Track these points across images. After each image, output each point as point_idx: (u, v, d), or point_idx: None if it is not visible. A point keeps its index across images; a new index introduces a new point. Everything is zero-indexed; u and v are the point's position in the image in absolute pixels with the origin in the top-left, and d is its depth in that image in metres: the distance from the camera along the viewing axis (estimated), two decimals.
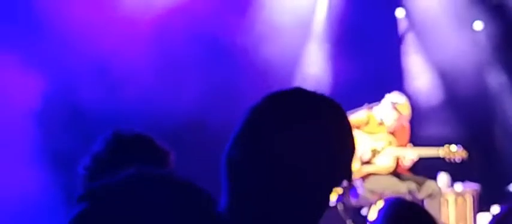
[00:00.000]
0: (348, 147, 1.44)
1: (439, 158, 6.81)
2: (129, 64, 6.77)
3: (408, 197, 6.39)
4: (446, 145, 6.80)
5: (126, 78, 6.81)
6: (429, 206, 6.58)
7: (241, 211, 1.34)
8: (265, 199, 1.34)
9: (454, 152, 6.74)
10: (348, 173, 1.44)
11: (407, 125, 7.05)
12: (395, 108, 6.78)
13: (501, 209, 2.89)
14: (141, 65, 6.83)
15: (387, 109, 6.82)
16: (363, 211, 6.90)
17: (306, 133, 1.35)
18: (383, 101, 6.85)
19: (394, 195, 6.26)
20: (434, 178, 7.18)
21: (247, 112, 1.38)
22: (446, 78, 8.40)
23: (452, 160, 6.77)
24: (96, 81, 6.76)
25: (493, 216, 2.94)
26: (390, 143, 6.84)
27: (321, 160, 1.36)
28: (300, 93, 1.42)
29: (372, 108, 6.92)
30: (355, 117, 6.83)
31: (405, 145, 6.93)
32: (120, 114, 6.34)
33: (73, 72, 6.71)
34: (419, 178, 6.83)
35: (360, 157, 6.80)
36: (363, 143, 6.83)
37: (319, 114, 1.40)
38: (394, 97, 6.84)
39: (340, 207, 6.96)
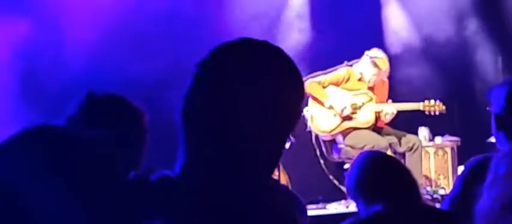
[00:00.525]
0: (296, 96, 1.45)
1: (418, 113, 6.90)
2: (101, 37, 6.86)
3: (389, 151, 6.51)
4: (426, 100, 6.89)
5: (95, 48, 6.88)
6: (410, 159, 6.70)
7: (197, 164, 1.38)
8: (219, 150, 1.37)
9: (433, 105, 6.85)
10: (295, 121, 1.47)
11: (386, 80, 7.14)
12: (374, 63, 6.84)
13: (473, 159, 2.94)
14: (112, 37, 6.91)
15: (366, 64, 6.89)
16: (346, 166, 6.92)
17: (255, 83, 1.37)
18: (362, 57, 6.92)
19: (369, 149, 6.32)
20: (414, 132, 7.24)
21: (196, 67, 1.40)
22: (424, 31, 8.41)
23: (431, 113, 6.86)
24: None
25: (465, 165, 3.01)
26: (370, 98, 6.92)
27: (270, 108, 1.39)
28: (247, 44, 1.44)
29: (351, 65, 6.99)
30: (335, 73, 6.93)
31: (385, 101, 7.01)
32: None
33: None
34: (400, 133, 6.91)
35: (340, 113, 6.87)
36: (342, 99, 6.90)
37: (266, 64, 1.42)
38: (372, 53, 6.90)
39: (322, 162, 7.09)
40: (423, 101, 6.88)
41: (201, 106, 1.38)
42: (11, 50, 6.66)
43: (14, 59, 6.68)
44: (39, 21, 6.85)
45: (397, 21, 8.54)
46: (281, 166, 6.56)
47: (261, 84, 1.38)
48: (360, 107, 6.88)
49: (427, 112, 6.88)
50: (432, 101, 6.88)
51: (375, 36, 7.99)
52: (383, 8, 8.60)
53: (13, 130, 1.31)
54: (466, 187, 2.81)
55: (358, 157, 3.05)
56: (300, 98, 1.46)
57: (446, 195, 6.10)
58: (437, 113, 6.86)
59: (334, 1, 8.31)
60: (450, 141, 7.53)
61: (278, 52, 1.45)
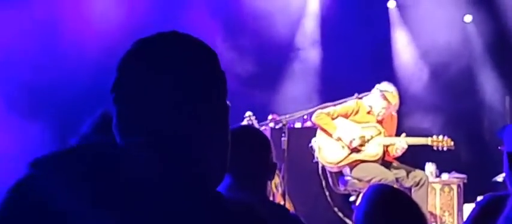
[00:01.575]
0: (216, 86, 1.50)
1: (426, 148, 6.89)
2: None
3: (395, 185, 6.42)
4: (435, 135, 6.90)
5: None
6: (416, 194, 6.66)
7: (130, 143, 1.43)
8: (147, 134, 1.42)
9: (441, 140, 6.83)
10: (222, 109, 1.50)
11: (395, 114, 7.15)
12: (384, 97, 6.85)
13: (484, 197, 2.94)
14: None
15: (376, 97, 6.89)
16: (351, 198, 7.01)
17: (166, 72, 1.43)
18: (373, 90, 6.93)
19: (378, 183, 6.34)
20: (421, 168, 7.24)
21: (121, 58, 1.47)
22: (436, 70, 8.47)
23: (439, 148, 6.85)
24: None
25: (476, 203, 2.98)
26: (379, 132, 6.91)
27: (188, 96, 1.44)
28: (165, 37, 1.49)
29: (361, 97, 7.00)
30: (344, 105, 6.93)
31: (393, 135, 7.02)
32: None
33: None
34: (407, 167, 6.90)
35: (349, 145, 6.86)
36: (351, 131, 6.88)
37: (175, 51, 1.47)
38: (383, 86, 6.91)
39: (327, 194, 7.12)
40: (432, 136, 6.87)
41: (124, 95, 1.45)
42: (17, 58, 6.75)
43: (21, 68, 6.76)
44: (45, 30, 6.91)
45: (408, 58, 8.56)
46: (287, 195, 6.44)
47: (171, 71, 1.44)
48: (368, 140, 6.86)
49: (434, 148, 6.86)
50: (440, 137, 6.86)
51: (384, 69, 8.05)
52: (392, 41, 8.67)
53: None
54: None
55: (367, 190, 3.02)
56: (218, 92, 1.50)
57: None
58: (445, 148, 6.84)
59: (345, 30, 8.33)
60: (457, 178, 7.50)
61: (187, 39, 1.50)
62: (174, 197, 1.33)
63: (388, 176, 6.67)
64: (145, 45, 1.47)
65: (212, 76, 1.48)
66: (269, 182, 2.87)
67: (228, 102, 1.51)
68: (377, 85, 6.92)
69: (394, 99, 6.91)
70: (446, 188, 7.40)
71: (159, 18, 7.35)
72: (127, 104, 1.44)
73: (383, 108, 6.89)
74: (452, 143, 6.83)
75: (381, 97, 6.86)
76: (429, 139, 6.84)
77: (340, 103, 6.95)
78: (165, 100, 1.41)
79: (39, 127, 6.60)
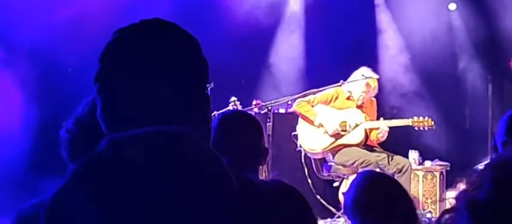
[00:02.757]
0: (199, 73, 1.50)
1: (409, 136, 7.03)
2: None
3: (378, 170, 6.28)
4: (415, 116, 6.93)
5: None
6: (399, 181, 6.59)
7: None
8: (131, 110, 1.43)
9: (422, 121, 6.84)
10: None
11: (374, 100, 7.17)
12: (364, 82, 6.89)
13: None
14: None
15: (355, 83, 6.90)
16: (335, 184, 7.04)
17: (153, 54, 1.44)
18: (352, 76, 6.93)
19: (364, 168, 6.38)
20: (404, 156, 7.19)
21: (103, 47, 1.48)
22: (419, 57, 8.46)
23: (420, 129, 6.87)
24: None
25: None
26: (360, 116, 6.92)
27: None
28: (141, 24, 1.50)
29: (340, 85, 6.98)
30: (323, 92, 6.92)
31: (374, 119, 7.02)
32: None
33: None
34: (390, 153, 6.89)
35: (330, 132, 6.85)
36: (332, 117, 6.89)
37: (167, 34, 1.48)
38: (362, 71, 6.91)
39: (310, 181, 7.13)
40: (412, 117, 6.89)
41: (107, 78, 1.46)
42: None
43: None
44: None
45: (391, 44, 8.59)
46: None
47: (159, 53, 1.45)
48: (350, 125, 6.87)
49: (416, 128, 6.87)
50: (421, 117, 6.88)
51: (368, 56, 8.04)
52: (377, 29, 8.70)
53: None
54: None
55: (356, 176, 3.07)
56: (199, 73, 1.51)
57: (434, 218, 6.24)
58: (426, 128, 6.86)
59: (330, 15, 8.33)
60: (439, 165, 7.54)
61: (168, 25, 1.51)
62: (200, 188, 1.32)
63: (370, 158, 6.70)
64: (126, 34, 1.46)
65: (195, 64, 1.48)
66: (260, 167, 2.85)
67: (209, 88, 1.50)
68: (356, 71, 6.93)
69: (373, 83, 6.94)
70: (429, 176, 7.43)
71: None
72: (111, 95, 1.43)
73: (363, 92, 6.91)
74: (433, 122, 6.85)
75: (360, 82, 6.87)
76: (410, 120, 6.86)
77: (318, 91, 6.94)
78: (149, 89, 1.41)
79: (34, 108, 6.58)
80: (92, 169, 1.34)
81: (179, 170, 1.32)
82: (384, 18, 8.72)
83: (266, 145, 2.85)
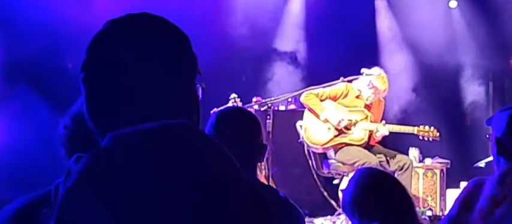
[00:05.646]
0: (187, 68, 1.48)
1: (411, 135, 6.88)
2: None
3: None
4: (421, 125, 6.89)
5: None
6: (400, 178, 6.07)
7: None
8: (120, 104, 1.40)
9: (427, 131, 6.81)
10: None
11: (383, 100, 7.10)
12: (372, 82, 6.81)
13: (471, 182, 2.96)
14: None
15: (365, 82, 6.84)
16: (335, 182, 7.02)
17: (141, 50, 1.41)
18: (363, 75, 6.84)
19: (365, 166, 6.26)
20: (405, 153, 7.19)
21: (91, 38, 1.45)
22: (420, 56, 8.43)
23: (425, 138, 6.84)
24: None
25: (464, 187, 3.01)
26: (366, 116, 6.88)
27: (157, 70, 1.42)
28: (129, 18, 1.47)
29: (351, 81, 6.93)
30: (333, 88, 6.87)
31: (379, 120, 6.97)
32: None
33: None
34: (391, 152, 6.87)
35: (336, 127, 6.81)
36: (338, 114, 6.84)
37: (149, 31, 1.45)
38: (373, 71, 6.84)
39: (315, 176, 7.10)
40: (418, 126, 6.85)
41: (95, 71, 1.43)
42: None
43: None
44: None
45: (390, 42, 8.58)
46: (271, 178, 6.41)
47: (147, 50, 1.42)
48: (354, 124, 6.83)
49: (420, 137, 6.86)
50: (427, 127, 6.84)
51: (368, 54, 8.03)
52: (377, 26, 8.69)
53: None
54: (464, 208, 2.84)
55: (355, 173, 3.04)
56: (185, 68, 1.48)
57: (443, 216, 6.30)
58: (430, 139, 6.83)
59: (331, 14, 8.29)
60: (440, 163, 7.52)
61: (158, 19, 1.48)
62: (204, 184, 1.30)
63: (372, 160, 6.63)
64: (117, 24, 1.44)
65: (184, 58, 1.45)
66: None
67: (202, 85, 1.48)
68: (366, 70, 6.83)
69: (384, 85, 6.87)
70: (429, 173, 7.42)
71: None
72: (96, 85, 1.41)
73: (372, 93, 6.85)
74: (438, 134, 6.82)
75: (370, 83, 6.81)
76: (415, 128, 6.82)
77: (328, 86, 6.88)
78: (137, 82, 1.38)
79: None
80: (99, 167, 1.30)
81: (193, 166, 1.30)
82: (384, 18, 8.73)
83: (265, 141, 2.83)
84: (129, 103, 1.38)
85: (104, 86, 1.40)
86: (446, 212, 3.93)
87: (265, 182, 5.97)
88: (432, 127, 6.85)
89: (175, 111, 1.41)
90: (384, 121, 6.89)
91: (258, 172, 5.79)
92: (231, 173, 1.34)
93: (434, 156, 7.65)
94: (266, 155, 5.94)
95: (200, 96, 1.49)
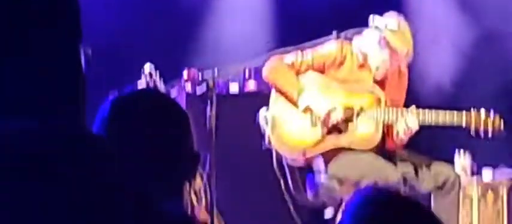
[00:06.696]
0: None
1: (455, 131, 5.36)
2: None
3: (403, 189, 5.02)
4: (473, 109, 5.30)
5: None
6: (440, 204, 5.20)
7: None
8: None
9: (485, 120, 5.27)
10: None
11: (405, 71, 5.45)
12: (387, 40, 5.16)
13: None
14: None
15: (374, 41, 5.21)
16: (327, 215, 5.36)
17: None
18: (369, 28, 5.25)
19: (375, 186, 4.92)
20: (448, 161, 5.64)
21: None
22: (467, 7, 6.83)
23: (479, 131, 5.29)
24: None
25: None
26: (377, 99, 5.32)
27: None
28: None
29: (350, 39, 5.40)
30: (319, 51, 5.32)
31: (401, 105, 5.35)
32: None
33: None
34: (423, 159, 5.40)
35: (324, 120, 5.19)
36: (331, 96, 5.34)
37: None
38: (385, 22, 5.22)
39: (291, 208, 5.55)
40: (468, 111, 5.27)
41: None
42: None
43: None
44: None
45: None
46: (215, 210, 4.86)
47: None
48: (358, 113, 5.25)
49: (472, 131, 5.29)
50: (483, 111, 5.25)
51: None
52: None
53: None
54: None
55: (352, 198, 2.19)
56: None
57: None
58: (489, 133, 5.28)
59: None
60: (507, 176, 6.06)
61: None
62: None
63: (389, 175, 5.15)
64: None
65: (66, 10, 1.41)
66: (186, 184, 2.32)
67: (88, 50, 1.40)
68: (377, 19, 5.25)
69: (405, 43, 5.22)
70: (490, 195, 5.99)
71: None
72: None
73: (385, 60, 5.26)
74: (501, 124, 5.30)
75: (381, 40, 5.19)
76: (463, 114, 5.22)
77: (311, 48, 5.33)
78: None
79: None
80: None
81: (71, 179, 1.28)
82: None
83: (197, 148, 2.25)
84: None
85: None
86: None
87: (207, 218, 5.06)
88: (492, 114, 5.26)
89: (55, 100, 1.38)
90: (413, 106, 5.29)
91: (194, 201, 5.00)
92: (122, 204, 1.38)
93: (498, 165, 6.18)
94: (206, 170, 5.41)
95: (85, 67, 1.41)
